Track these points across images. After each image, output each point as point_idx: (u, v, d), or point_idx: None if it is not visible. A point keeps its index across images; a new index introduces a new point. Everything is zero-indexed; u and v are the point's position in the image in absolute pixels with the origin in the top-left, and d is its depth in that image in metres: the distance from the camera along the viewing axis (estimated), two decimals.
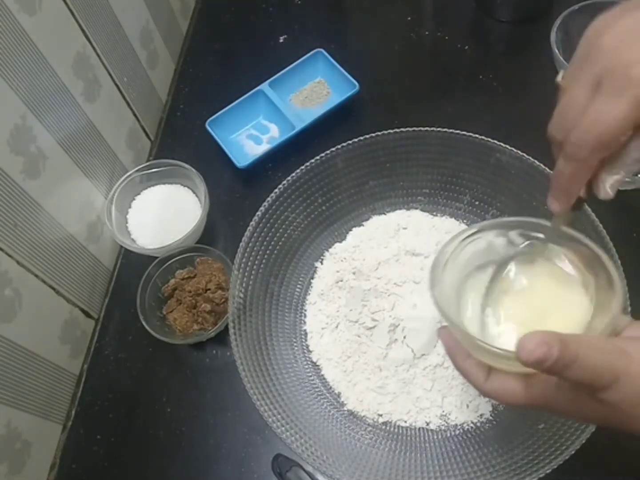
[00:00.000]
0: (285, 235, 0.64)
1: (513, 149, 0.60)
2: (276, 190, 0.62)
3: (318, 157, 0.63)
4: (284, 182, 0.63)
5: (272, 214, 0.62)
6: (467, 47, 0.82)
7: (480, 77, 0.79)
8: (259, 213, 0.61)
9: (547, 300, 0.42)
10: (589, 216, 0.56)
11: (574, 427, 0.49)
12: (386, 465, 0.54)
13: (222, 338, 0.65)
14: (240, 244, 0.60)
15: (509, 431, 0.55)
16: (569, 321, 0.39)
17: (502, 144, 0.61)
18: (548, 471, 0.48)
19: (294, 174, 0.63)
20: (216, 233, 0.72)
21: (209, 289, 0.64)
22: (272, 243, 0.63)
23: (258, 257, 0.61)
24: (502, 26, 0.83)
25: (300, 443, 0.52)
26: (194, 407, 0.63)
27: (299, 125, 0.74)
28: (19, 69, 0.55)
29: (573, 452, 0.48)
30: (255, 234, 0.61)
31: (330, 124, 0.75)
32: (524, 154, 0.60)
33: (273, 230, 0.63)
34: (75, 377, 0.68)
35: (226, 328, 0.63)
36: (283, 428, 0.52)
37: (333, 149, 0.63)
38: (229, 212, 0.73)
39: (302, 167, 0.63)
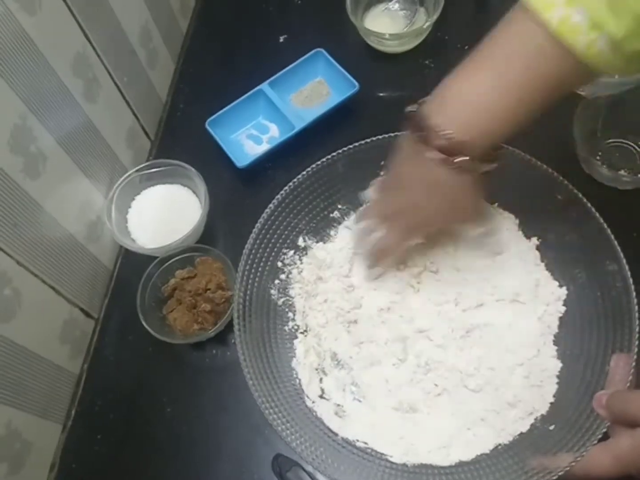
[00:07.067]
0: (294, 232, 0.64)
1: (515, 149, 0.60)
2: (295, 180, 0.63)
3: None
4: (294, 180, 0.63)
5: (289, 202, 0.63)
6: (467, 47, 0.81)
7: None
8: (278, 197, 0.62)
9: None
10: (594, 217, 0.56)
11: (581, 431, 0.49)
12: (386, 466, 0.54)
13: (222, 338, 0.65)
14: (251, 235, 0.60)
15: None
16: None
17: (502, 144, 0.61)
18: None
19: (297, 177, 0.63)
20: (216, 233, 0.72)
21: (209, 289, 0.64)
22: (280, 241, 0.63)
23: (266, 253, 0.62)
24: None
25: (300, 442, 0.52)
26: (194, 407, 0.63)
27: (299, 125, 0.74)
28: (19, 69, 0.54)
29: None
30: (269, 223, 0.61)
31: (330, 123, 0.75)
32: (525, 154, 0.60)
33: (281, 228, 0.63)
34: (75, 377, 0.68)
35: (226, 328, 0.63)
36: (283, 426, 0.52)
37: (339, 150, 0.63)
38: (229, 212, 0.73)
39: (304, 172, 0.63)
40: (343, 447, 0.55)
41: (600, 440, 0.47)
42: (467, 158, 0.48)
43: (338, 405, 0.58)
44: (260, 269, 0.61)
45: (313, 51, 0.79)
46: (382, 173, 0.60)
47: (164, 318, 0.65)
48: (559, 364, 0.56)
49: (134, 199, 0.73)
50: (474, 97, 0.48)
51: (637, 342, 0.50)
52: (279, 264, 0.63)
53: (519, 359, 0.57)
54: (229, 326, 0.64)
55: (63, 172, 0.64)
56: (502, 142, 0.53)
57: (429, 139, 0.49)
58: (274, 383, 0.56)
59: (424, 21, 0.80)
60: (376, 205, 0.60)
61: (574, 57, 0.43)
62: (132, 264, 0.72)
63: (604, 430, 0.47)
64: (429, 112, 0.49)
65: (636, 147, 0.69)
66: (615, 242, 0.54)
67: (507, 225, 0.63)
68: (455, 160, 0.48)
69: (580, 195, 0.57)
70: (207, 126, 0.75)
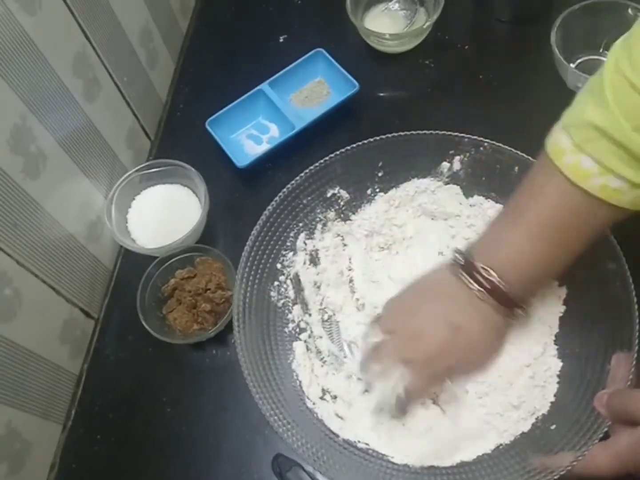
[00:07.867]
0: (292, 233, 0.64)
1: (512, 149, 0.60)
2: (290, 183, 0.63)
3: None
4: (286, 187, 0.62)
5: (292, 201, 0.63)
6: (467, 47, 0.82)
7: (480, 77, 0.79)
8: (277, 199, 0.61)
9: None
10: None
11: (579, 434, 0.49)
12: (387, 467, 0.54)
13: (222, 338, 0.65)
14: (252, 232, 0.60)
15: None
16: None
17: (501, 144, 0.61)
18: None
19: (295, 179, 0.63)
20: (216, 233, 0.72)
21: (209, 289, 0.64)
22: (280, 242, 0.63)
23: (265, 255, 0.61)
24: (502, 26, 0.83)
25: (301, 443, 0.52)
26: (194, 407, 0.63)
27: (299, 125, 0.74)
28: (19, 69, 0.55)
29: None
30: (267, 224, 0.61)
31: (330, 123, 0.75)
32: (524, 154, 0.60)
33: (280, 230, 0.62)
34: (75, 377, 0.68)
35: (226, 328, 0.63)
36: (284, 428, 0.52)
37: (338, 152, 0.63)
38: (229, 212, 0.73)
39: (302, 173, 0.63)
40: (344, 449, 0.55)
41: (601, 440, 0.47)
42: (521, 309, 0.51)
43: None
44: (259, 270, 0.61)
45: (313, 51, 0.79)
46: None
47: (163, 318, 0.65)
48: (560, 364, 0.56)
49: (134, 199, 0.73)
50: (512, 253, 0.50)
51: (637, 341, 0.50)
52: (279, 265, 0.63)
53: (525, 360, 0.57)
54: (229, 326, 0.64)
55: (63, 172, 0.64)
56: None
57: (476, 278, 0.50)
58: (274, 384, 0.56)
59: (424, 21, 0.80)
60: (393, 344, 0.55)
61: (594, 199, 0.44)
62: (132, 264, 0.72)
63: (605, 429, 0.47)
64: (476, 254, 0.51)
65: None
66: (615, 242, 0.54)
67: None
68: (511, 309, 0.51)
69: None
70: (207, 126, 0.75)
